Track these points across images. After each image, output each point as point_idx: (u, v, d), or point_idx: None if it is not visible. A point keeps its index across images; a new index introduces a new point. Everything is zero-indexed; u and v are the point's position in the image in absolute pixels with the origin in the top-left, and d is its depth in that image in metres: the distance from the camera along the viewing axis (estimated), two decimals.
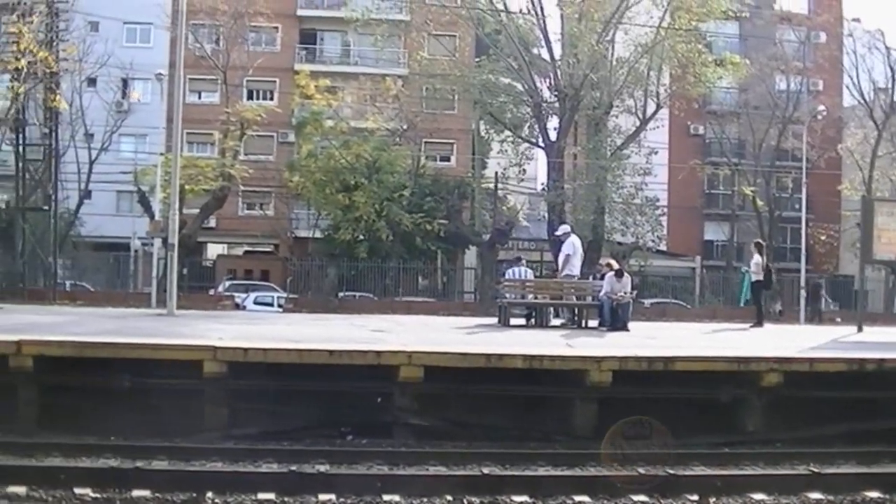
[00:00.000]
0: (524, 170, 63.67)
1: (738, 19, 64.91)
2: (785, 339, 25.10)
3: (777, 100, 67.87)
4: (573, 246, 29.88)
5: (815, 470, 15.87)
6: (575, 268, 29.73)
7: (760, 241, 32.00)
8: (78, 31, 55.36)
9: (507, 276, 30.51)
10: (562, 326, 29.02)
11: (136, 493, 13.94)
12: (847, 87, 69.60)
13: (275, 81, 68.04)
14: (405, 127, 62.43)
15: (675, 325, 29.97)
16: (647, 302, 57.56)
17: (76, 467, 15.08)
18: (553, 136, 58.53)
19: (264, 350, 19.27)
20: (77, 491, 13.90)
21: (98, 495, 13.87)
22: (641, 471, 15.66)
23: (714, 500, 14.63)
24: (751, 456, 17.78)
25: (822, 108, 64.55)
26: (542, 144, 60.29)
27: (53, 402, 19.06)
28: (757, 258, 31.37)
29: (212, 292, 58.82)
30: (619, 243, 60.74)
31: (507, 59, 58.47)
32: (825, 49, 71.67)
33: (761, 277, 31.42)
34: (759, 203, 67.14)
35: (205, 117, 60.28)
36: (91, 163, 60.19)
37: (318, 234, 66.31)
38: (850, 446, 18.52)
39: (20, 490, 13.88)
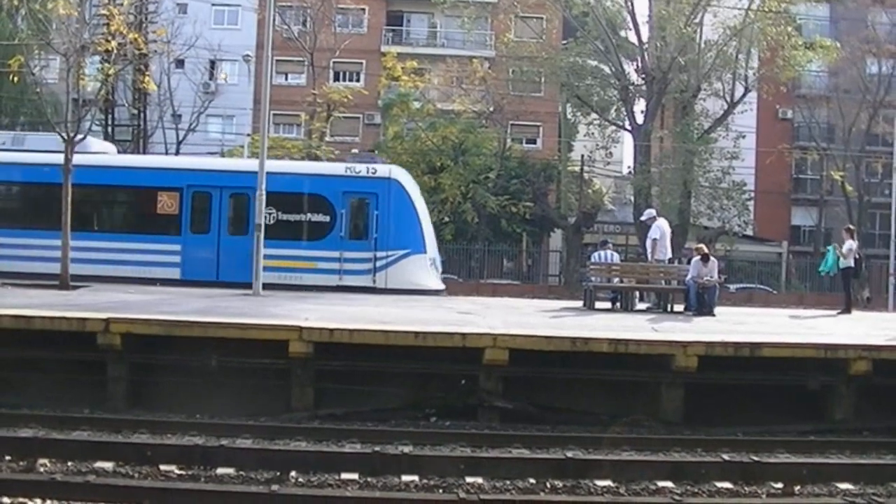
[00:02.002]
0: (610, 153, 63.31)
1: (830, 1, 64.24)
2: (874, 327, 24.77)
3: (868, 83, 66.84)
4: (660, 230, 29.65)
5: None
6: (664, 252, 29.51)
7: (851, 226, 31.47)
8: (167, 14, 55.99)
9: (593, 260, 30.33)
10: (647, 311, 28.85)
11: (221, 470, 14.08)
12: None
13: (361, 63, 68.21)
14: (492, 109, 62.26)
15: (762, 311, 29.66)
16: (733, 287, 57.01)
17: (163, 444, 15.26)
18: (640, 119, 58.15)
19: (350, 331, 19.35)
20: (163, 468, 14.06)
21: (183, 472, 14.01)
22: (726, 457, 15.54)
23: (799, 488, 14.48)
24: (837, 444, 17.58)
25: None
26: (628, 127, 59.98)
27: (142, 380, 19.30)
28: (850, 243, 30.93)
29: None
30: (706, 227, 60.29)
31: (595, 42, 58.13)
32: None
33: (851, 263, 31.02)
34: (849, 188, 66.33)
35: (292, 99, 60.55)
36: (179, 143, 60.64)
37: None
38: None
39: (108, 465, 14.06)
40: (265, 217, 29.89)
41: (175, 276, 32.98)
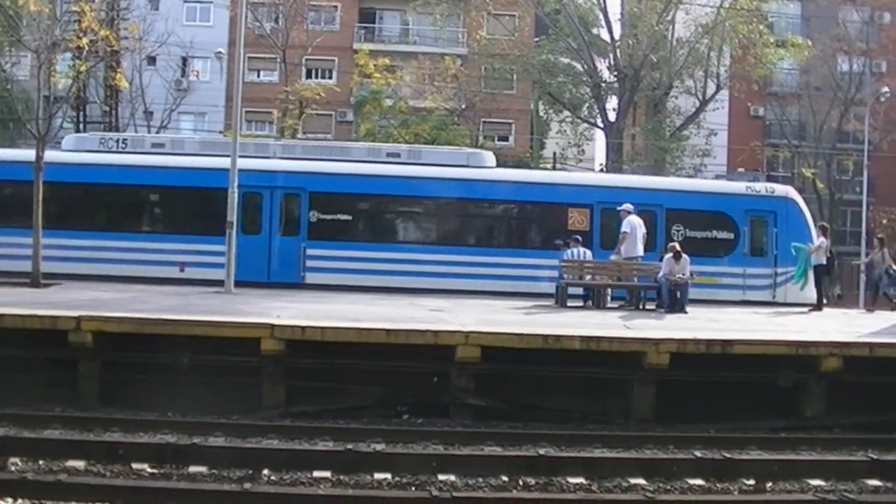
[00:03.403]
0: (583, 150, 63.23)
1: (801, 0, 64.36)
2: (845, 324, 24.89)
3: (839, 81, 67.01)
4: (630, 224, 29.63)
5: (874, 456, 15.73)
6: (634, 248, 29.47)
7: (825, 223, 31.64)
8: (139, 10, 55.43)
9: (564, 257, 30.36)
10: (619, 308, 28.89)
11: (193, 468, 14.05)
12: None
13: (334, 60, 67.99)
14: (464, 106, 62.19)
15: (735, 308, 29.74)
16: None
17: (135, 443, 15.23)
18: (612, 116, 58.32)
19: (322, 328, 19.35)
20: (135, 466, 14.02)
21: (155, 470, 13.98)
22: (698, 454, 15.59)
23: (770, 484, 14.53)
24: (809, 441, 17.68)
25: (885, 89, 63.55)
26: (600, 125, 60.10)
27: (114, 378, 19.25)
28: (821, 240, 31.06)
29: None
30: None
31: (567, 39, 58.30)
32: (889, 29, 70.69)
33: (823, 261, 31.15)
34: (820, 185, 66.49)
35: (264, 96, 60.39)
36: None
37: None
38: None
39: (79, 464, 14.01)
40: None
41: None
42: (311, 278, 33.39)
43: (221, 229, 29.76)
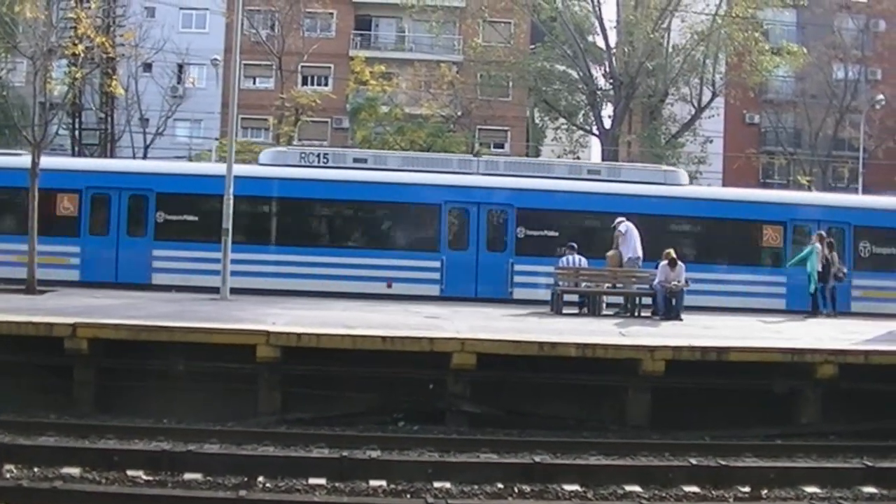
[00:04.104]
0: (578, 157, 63.28)
1: (796, 7, 64.14)
2: (840, 331, 24.89)
3: (835, 89, 67.05)
4: (626, 226, 29.59)
5: (870, 464, 15.75)
6: (632, 249, 29.44)
7: (822, 232, 31.71)
8: (135, 17, 55.59)
9: (560, 264, 30.36)
10: (614, 315, 28.89)
11: (188, 475, 14.05)
12: None
13: (330, 67, 67.99)
14: (460, 113, 62.14)
15: (732, 315, 29.73)
16: None
17: (130, 449, 15.23)
18: (608, 123, 58.30)
19: (317, 335, 19.35)
20: (130, 473, 14.03)
21: (150, 477, 13.98)
22: (693, 461, 15.60)
23: (766, 491, 14.55)
24: (804, 448, 17.70)
25: (880, 97, 63.63)
26: (596, 132, 60.10)
27: (109, 385, 19.25)
28: (816, 247, 31.07)
29: None
30: None
31: (563, 47, 58.29)
32: (885, 37, 70.75)
33: (819, 268, 31.18)
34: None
35: (260, 103, 60.44)
36: (146, 147, 60.28)
37: None
38: None
39: (74, 471, 14.02)
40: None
41: None
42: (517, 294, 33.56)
43: (430, 245, 31.14)
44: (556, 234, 34.37)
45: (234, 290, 28.94)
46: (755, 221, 35.63)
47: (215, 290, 29.40)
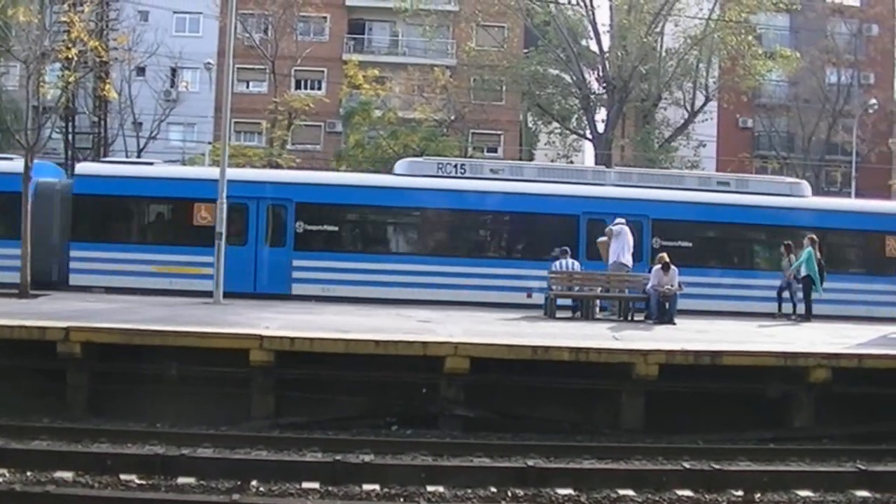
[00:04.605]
0: (571, 161, 63.33)
1: (790, 11, 64.19)
2: (833, 335, 24.91)
3: (828, 93, 67.20)
4: (619, 228, 29.68)
5: (863, 467, 15.74)
6: (622, 252, 29.48)
7: (813, 236, 31.73)
8: (128, 21, 55.47)
9: (553, 268, 30.37)
10: (607, 319, 28.90)
11: (182, 479, 14.04)
12: None
13: (323, 71, 67.97)
14: (453, 117, 62.15)
15: (725, 320, 29.75)
16: None
17: (123, 453, 15.20)
18: (601, 127, 58.42)
19: (310, 339, 19.35)
20: (123, 477, 14.00)
21: (144, 481, 13.96)
22: (687, 465, 15.60)
23: (759, 495, 14.55)
24: (797, 452, 17.71)
25: (873, 101, 63.84)
26: (589, 136, 60.18)
27: (102, 389, 19.23)
28: (810, 251, 31.10)
29: None
30: None
31: (556, 51, 58.41)
32: (878, 42, 70.96)
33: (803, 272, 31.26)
34: None
35: (253, 107, 60.41)
36: (139, 151, 60.22)
37: None
38: None
39: (67, 475, 13.99)
40: None
41: None
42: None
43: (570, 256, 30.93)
44: (689, 244, 35.28)
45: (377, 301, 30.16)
46: (879, 232, 36.25)
47: (360, 300, 30.40)
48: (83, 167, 36.52)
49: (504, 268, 34.08)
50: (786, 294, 32.30)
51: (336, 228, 34.78)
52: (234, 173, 32.96)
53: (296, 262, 33.68)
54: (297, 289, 33.21)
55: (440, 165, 36.44)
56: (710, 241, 36.54)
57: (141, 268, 33.27)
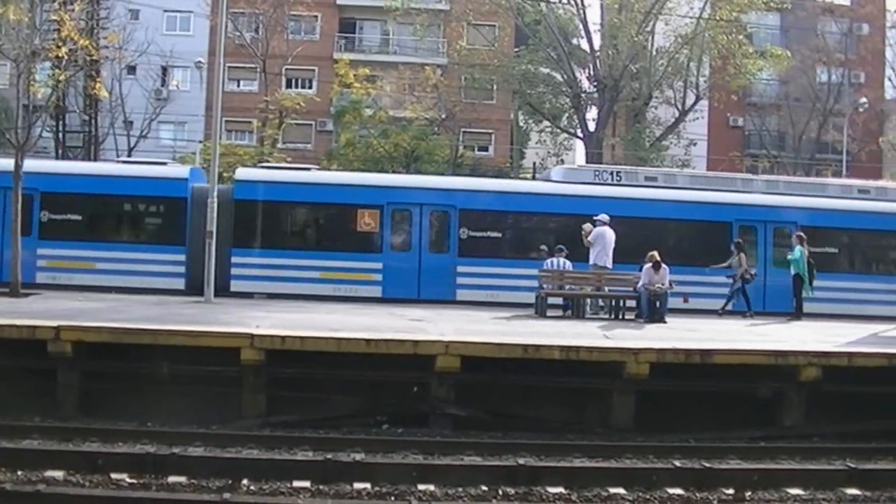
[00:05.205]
0: (562, 160, 63.20)
1: (780, 10, 64.26)
2: (824, 333, 24.94)
3: (818, 92, 67.29)
4: (599, 232, 29.69)
5: (853, 466, 15.78)
6: (604, 257, 29.51)
7: (802, 233, 31.74)
8: (119, 20, 55.39)
9: (544, 266, 30.36)
10: (598, 318, 28.90)
11: (172, 478, 14.04)
12: (889, 80, 68.79)
13: (314, 70, 67.89)
14: (444, 116, 62.13)
15: (714, 318, 29.80)
16: None
17: (114, 452, 15.19)
18: (592, 126, 58.45)
19: (301, 338, 19.33)
20: (114, 476, 13.99)
21: (135, 480, 13.95)
22: (678, 464, 15.62)
23: (750, 493, 14.58)
24: (788, 450, 17.74)
25: (863, 100, 63.88)
26: (580, 135, 60.25)
27: (92, 388, 19.20)
28: (799, 249, 31.12)
29: None
30: None
31: (547, 50, 58.40)
32: (868, 41, 71.01)
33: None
34: None
35: (244, 105, 60.32)
36: (130, 150, 60.08)
37: None
38: (889, 442, 18.41)
39: (58, 474, 13.98)
40: None
41: None
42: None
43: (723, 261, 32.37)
44: (836, 251, 36.24)
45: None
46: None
47: (523, 305, 30.51)
48: (243, 173, 36.66)
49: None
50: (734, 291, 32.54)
51: (500, 235, 35.23)
52: (400, 179, 33.28)
53: (460, 269, 34.09)
54: (461, 295, 33.63)
55: (597, 172, 36.91)
56: (854, 246, 37.22)
57: (304, 274, 33.47)
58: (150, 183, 34.41)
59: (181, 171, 35.98)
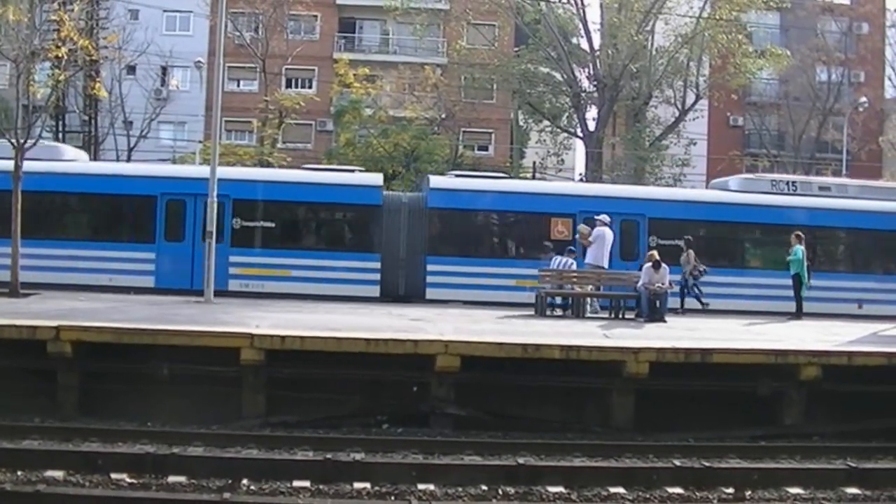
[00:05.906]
0: (562, 160, 63.39)
1: (780, 10, 64.24)
2: (824, 332, 24.95)
3: (818, 91, 67.20)
4: (598, 232, 29.72)
5: (853, 465, 15.79)
6: (599, 257, 29.54)
7: (800, 233, 31.69)
8: (118, 20, 55.43)
9: (552, 265, 30.33)
10: (598, 317, 28.89)
11: (172, 478, 14.03)
12: (889, 79, 68.57)
13: (314, 70, 67.85)
14: (444, 116, 62.08)
15: (716, 317, 29.79)
16: None
17: (113, 453, 15.19)
18: (591, 126, 58.36)
19: (301, 338, 19.33)
20: (114, 476, 13.99)
21: (134, 480, 13.95)
22: (677, 463, 15.62)
23: (750, 493, 14.58)
24: (788, 449, 17.74)
25: (863, 99, 63.80)
26: (580, 134, 60.15)
27: (92, 388, 19.20)
28: (798, 248, 31.08)
29: None
30: None
31: (547, 49, 58.34)
32: (868, 40, 70.94)
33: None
34: None
35: (244, 105, 60.22)
36: (130, 150, 60.15)
37: None
38: (889, 441, 18.41)
39: (58, 474, 13.98)
40: None
41: None
42: None
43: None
44: None
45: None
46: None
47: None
48: (437, 181, 36.61)
49: (834, 280, 35.04)
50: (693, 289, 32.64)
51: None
52: (590, 189, 33.85)
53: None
54: None
55: (773, 182, 37.74)
56: None
57: (499, 281, 33.53)
58: (343, 190, 34.67)
59: (375, 178, 36.18)
